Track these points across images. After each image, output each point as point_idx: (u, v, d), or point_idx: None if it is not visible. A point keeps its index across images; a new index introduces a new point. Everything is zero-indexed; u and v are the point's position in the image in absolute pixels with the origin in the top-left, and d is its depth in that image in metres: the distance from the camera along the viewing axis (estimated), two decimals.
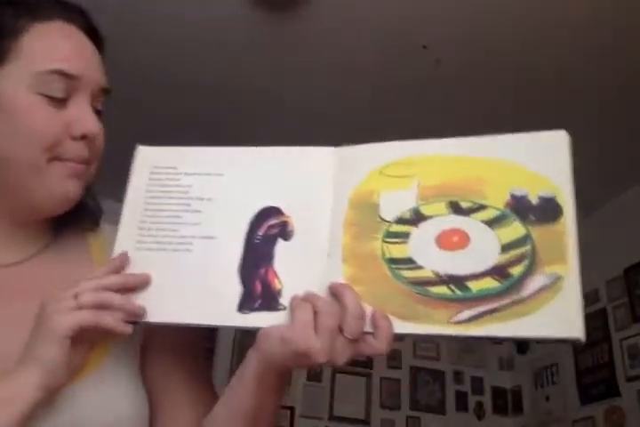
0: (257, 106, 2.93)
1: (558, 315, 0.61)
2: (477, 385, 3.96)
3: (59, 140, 0.74)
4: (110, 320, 0.67)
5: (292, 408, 3.54)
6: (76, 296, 0.66)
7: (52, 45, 0.76)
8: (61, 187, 0.75)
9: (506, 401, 3.95)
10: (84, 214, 0.83)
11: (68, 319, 0.64)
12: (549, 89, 2.72)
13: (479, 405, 3.92)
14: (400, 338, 0.65)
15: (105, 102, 0.82)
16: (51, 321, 0.65)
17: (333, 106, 2.91)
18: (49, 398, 0.65)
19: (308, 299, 0.66)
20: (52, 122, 0.74)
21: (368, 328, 0.64)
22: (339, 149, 0.75)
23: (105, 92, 0.81)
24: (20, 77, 0.73)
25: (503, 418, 3.91)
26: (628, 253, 3.22)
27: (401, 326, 0.64)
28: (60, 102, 0.75)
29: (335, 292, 0.66)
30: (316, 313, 0.64)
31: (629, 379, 3.12)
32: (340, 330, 0.63)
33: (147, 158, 0.81)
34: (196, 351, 0.83)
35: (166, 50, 2.62)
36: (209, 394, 0.80)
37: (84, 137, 0.76)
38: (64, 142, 0.75)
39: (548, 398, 3.63)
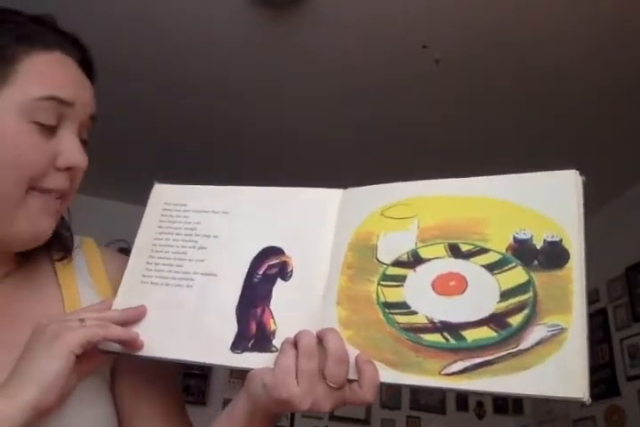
0: (257, 105, 2.92)
1: (559, 371, 0.56)
2: None
3: (44, 172, 0.72)
4: (119, 330, 0.69)
5: None
6: (81, 320, 0.67)
7: (49, 73, 0.74)
8: (34, 223, 0.72)
9: (506, 401, 3.97)
10: (55, 245, 0.81)
11: (78, 333, 0.65)
12: (549, 88, 2.70)
13: (480, 404, 3.94)
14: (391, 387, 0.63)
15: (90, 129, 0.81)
16: (60, 336, 0.64)
17: (333, 105, 2.90)
18: (38, 419, 0.63)
19: (296, 341, 0.64)
20: (40, 152, 0.72)
21: (353, 375, 0.62)
22: (345, 191, 0.75)
23: (93, 119, 0.79)
24: (13, 104, 0.71)
25: (504, 418, 3.93)
26: (628, 253, 3.22)
27: (389, 375, 0.62)
28: (49, 131, 0.72)
29: (320, 336, 0.63)
30: (297, 357, 0.62)
31: (630, 378, 3.13)
32: (324, 376, 0.61)
33: (160, 195, 0.82)
34: (167, 372, 0.82)
35: (166, 49, 2.62)
36: (180, 415, 0.80)
37: (68, 169, 0.74)
38: (48, 173, 0.72)
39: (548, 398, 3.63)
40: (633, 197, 3.31)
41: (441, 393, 3.86)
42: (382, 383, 0.62)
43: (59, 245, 0.81)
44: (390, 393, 3.77)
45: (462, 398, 3.92)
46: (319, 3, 2.34)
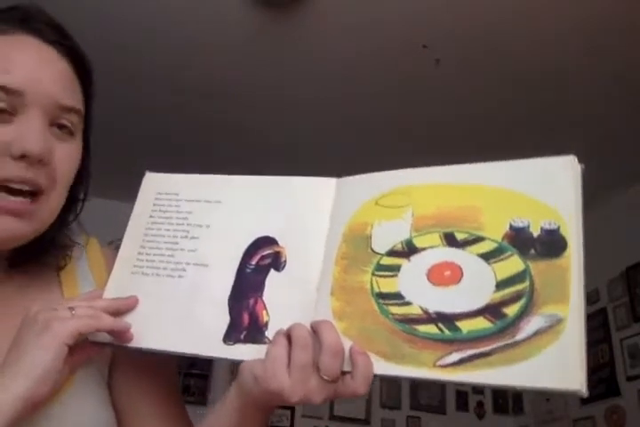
0: (257, 105, 2.92)
1: (556, 362, 0.54)
2: None
3: None
4: (111, 321, 0.67)
5: (292, 408, 3.54)
6: (71, 309, 0.65)
7: None
8: None
9: (506, 401, 3.96)
10: (56, 251, 0.79)
11: (69, 324, 0.63)
12: (549, 88, 2.70)
13: (480, 404, 3.92)
14: (384, 379, 0.62)
15: (78, 122, 0.74)
16: (50, 328, 0.63)
17: (333, 105, 2.90)
18: (30, 411, 0.62)
19: (289, 332, 0.63)
20: None
21: (346, 367, 0.61)
22: (340, 180, 0.73)
23: (68, 110, 0.72)
24: None
25: (504, 418, 3.92)
26: (628, 253, 3.22)
27: (383, 367, 0.60)
28: (1, 118, 0.67)
29: (315, 328, 0.62)
30: (291, 348, 0.61)
31: (630, 378, 3.13)
32: (317, 369, 0.60)
33: (152, 184, 0.81)
34: (165, 369, 0.81)
35: (165, 49, 2.62)
36: (178, 409, 0.80)
37: (23, 156, 0.67)
38: (2, 163, 0.66)
39: (548, 398, 3.63)
40: (633, 196, 3.31)
41: (441, 393, 3.85)
42: (376, 375, 0.60)
43: (59, 253, 0.79)
44: (390, 393, 3.77)
45: (462, 397, 3.90)
46: (319, 3, 2.35)
